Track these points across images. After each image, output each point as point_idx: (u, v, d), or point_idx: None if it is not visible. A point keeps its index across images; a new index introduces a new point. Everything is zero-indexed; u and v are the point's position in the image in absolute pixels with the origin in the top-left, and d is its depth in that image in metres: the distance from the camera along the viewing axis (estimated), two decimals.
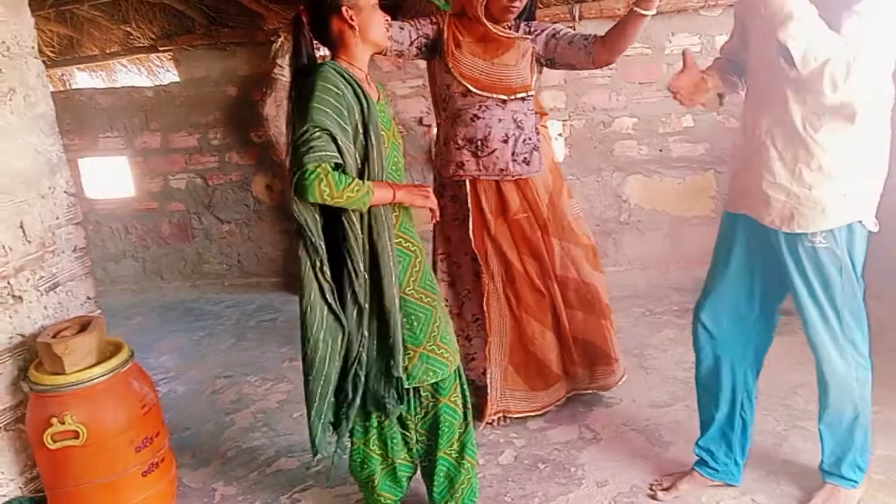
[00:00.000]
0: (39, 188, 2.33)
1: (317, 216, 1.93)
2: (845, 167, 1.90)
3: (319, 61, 2.00)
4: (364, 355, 2.03)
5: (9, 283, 2.17)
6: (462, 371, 2.26)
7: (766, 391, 3.03)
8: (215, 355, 4.10)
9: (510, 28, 2.73)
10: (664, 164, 4.67)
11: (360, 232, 1.95)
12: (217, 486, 2.75)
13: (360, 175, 1.94)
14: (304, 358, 2.00)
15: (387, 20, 2.06)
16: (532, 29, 2.80)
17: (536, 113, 2.86)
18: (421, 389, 2.16)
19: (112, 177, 5.60)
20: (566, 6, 4.42)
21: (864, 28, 1.71)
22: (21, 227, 2.23)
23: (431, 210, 2.12)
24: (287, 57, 4.61)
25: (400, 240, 2.07)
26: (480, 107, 2.69)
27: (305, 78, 1.93)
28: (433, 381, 2.11)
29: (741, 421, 2.38)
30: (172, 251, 5.38)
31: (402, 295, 2.06)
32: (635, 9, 2.46)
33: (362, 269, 1.97)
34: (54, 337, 2.10)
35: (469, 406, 2.26)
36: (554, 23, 4.49)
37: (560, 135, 4.82)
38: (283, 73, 4.71)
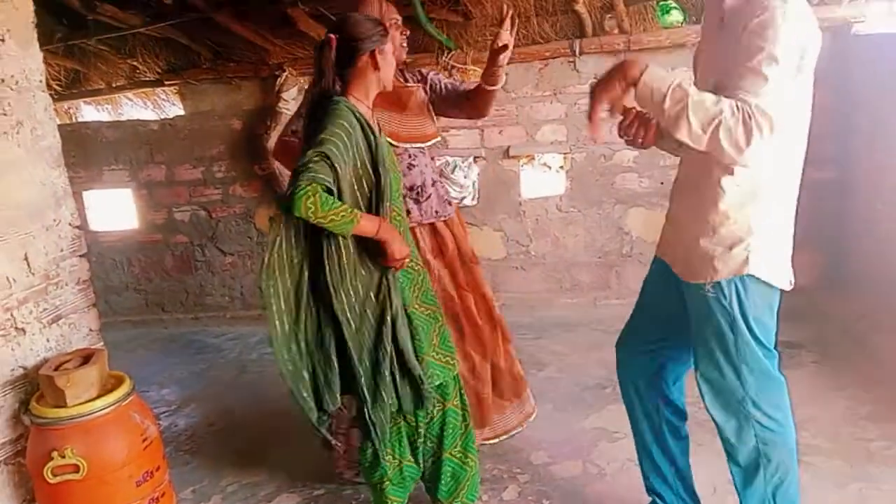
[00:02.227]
0: (45, 220, 2.34)
1: (289, 237, 2.07)
2: (733, 221, 1.86)
3: (335, 96, 2.11)
4: (389, 365, 2.14)
5: (12, 315, 2.17)
6: (459, 377, 2.41)
7: None
8: (217, 388, 4.07)
9: (402, 76, 2.83)
10: (666, 197, 4.64)
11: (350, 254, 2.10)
12: None
13: (371, 207, 2.10)
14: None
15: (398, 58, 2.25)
16: (422, 76, 2.90)
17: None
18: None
19: (116, 209, 5.62)
20: (567, 42, 4.48)
21: (760, 81, 1.66)
22: (25, 258, 2.24)
23: (396, 260, 2.12)
24: (291, 91, 4.72)
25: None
26: (411, 155, 2.76)
27: (323, 107, 2.07)
28: (435, 383, 2.25)
29: (670, 458, 2.32)
30: (175, 283, 5.38)
31: (411, 309, 2.23)
32: (483, 85, 2.69)
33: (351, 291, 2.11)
34: (56, 369, 2.09)
35: (468, 408, 2.41)
36: (554, 58, 4.60)
37: (561, 167, 4.85)
38: (288, 107, 4.76)
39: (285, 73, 4.71)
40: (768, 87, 1.65)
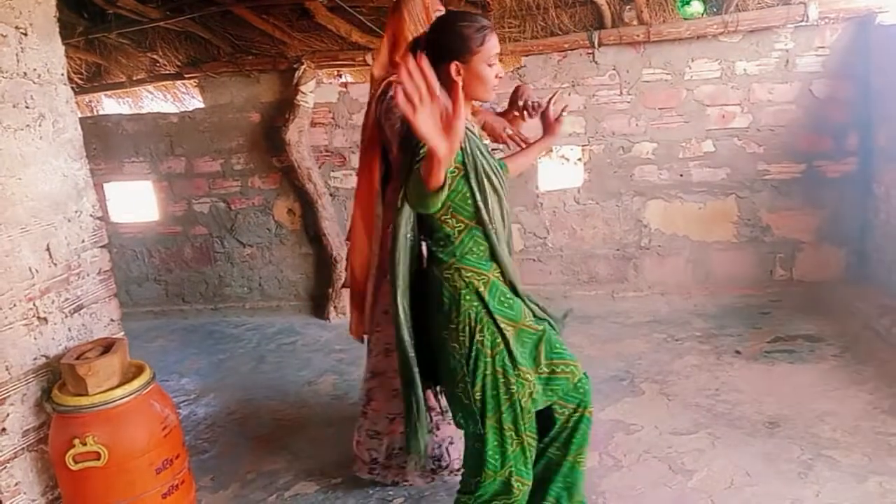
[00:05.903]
0: (66, 211, 2.37)
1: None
2: None
3: None
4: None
5: (34, 304, 2.20)
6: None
7: (792, 418, 2.99)
8: (235, 378, 4.11)
9: None
10: (685, 189, 4.65)
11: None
12: None
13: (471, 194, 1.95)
14: None
15: (498, 76, 2.00)
16: None
17: None
18: (566, 407, 2.13)
19: (137, 201, 5.68)
20: (585, 33, 4.45)
21: None
22: (48, 249, 2.27)
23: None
24: (309, 84, 4.73)
25: None
26: None
27: None
28: (554, 399, 2.07)
29: None
30: (194, 274, 5.43)
31: (521, 327, 2.03)
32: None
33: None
34: (78, 358, 2.12)
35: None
36: (572, 49, 4.57)
37: (579, 159, 4.83)
38: (306, 100, 4.78)
39: (303, 66, 4.72)
40: None
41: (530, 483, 2.11)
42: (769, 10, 4.20)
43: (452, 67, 1.92)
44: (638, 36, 4.40)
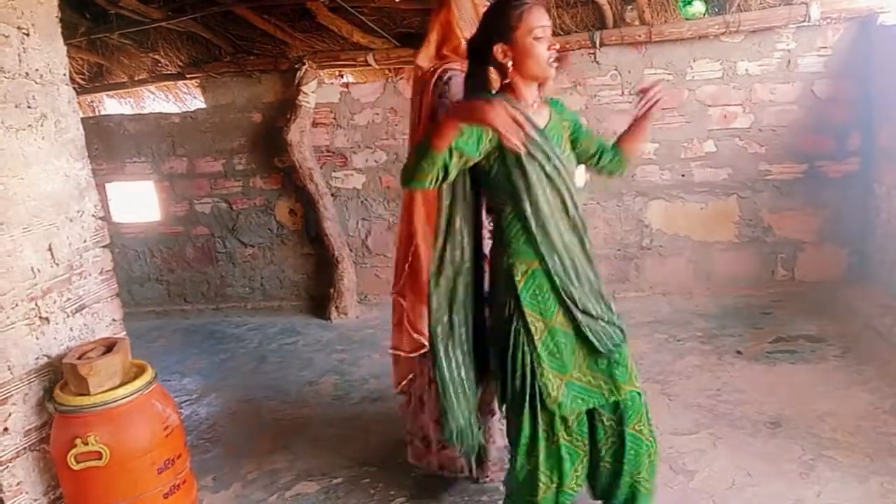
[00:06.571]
0: (68, 211, 2.37)
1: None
2: None
3: (488, 93, 1.99)
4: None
5: (36, 304, 2.20)
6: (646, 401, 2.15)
7: (793, 419, 2.99)
8: (237, 378, 4.11)
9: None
10: (686, 189, 4.65)
11: None
12: None
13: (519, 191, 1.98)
14: None
15: (552, 47, 1.95)
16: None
17: None
18: (603, 416, 2.08)
19: (138, 201, 5.69)
20: (587, 33, 4.45)
21: None
22: (49, 249, 2.27)
23: (510, 138, 1.67)
24: (310, 84, 4.74)
25: None
26: None
27: None
28: (584, 408, 2.03)
29: None
30: (196, 274, 5.44)
31: (553, 325, 2.00)
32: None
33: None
34: (80, 358, 2.12)
35: (654, 436, 2.17)
36: (574, 49, 4.57)
37: None
38: (307, 100, 4.78)
39: (305, 66, 4.72)
40: None
41: (564, 484, 2.07)
42: (771, 11, 4.19)
43: (498, 50, 1.92)
44: (639, 36, 4.40)
